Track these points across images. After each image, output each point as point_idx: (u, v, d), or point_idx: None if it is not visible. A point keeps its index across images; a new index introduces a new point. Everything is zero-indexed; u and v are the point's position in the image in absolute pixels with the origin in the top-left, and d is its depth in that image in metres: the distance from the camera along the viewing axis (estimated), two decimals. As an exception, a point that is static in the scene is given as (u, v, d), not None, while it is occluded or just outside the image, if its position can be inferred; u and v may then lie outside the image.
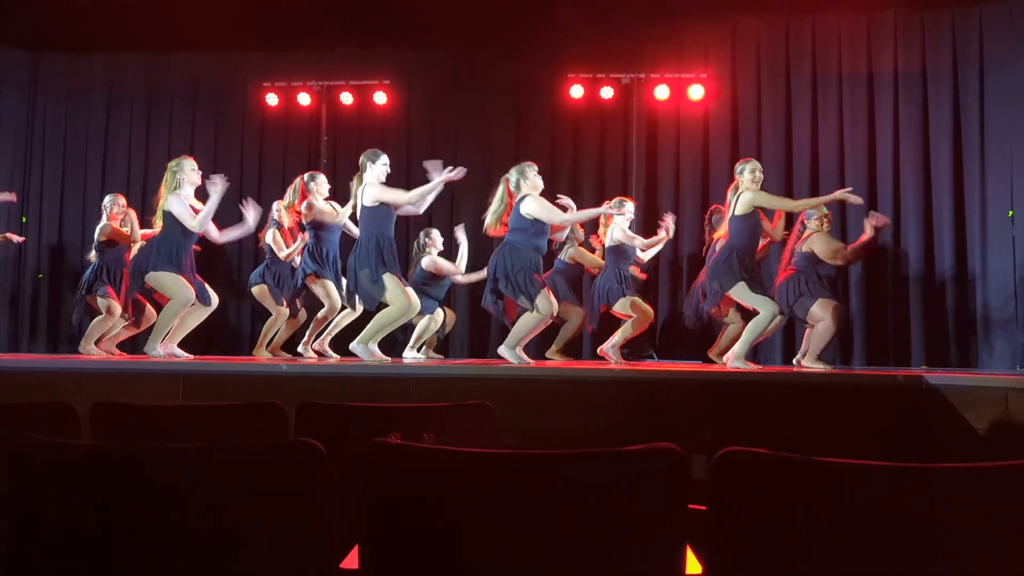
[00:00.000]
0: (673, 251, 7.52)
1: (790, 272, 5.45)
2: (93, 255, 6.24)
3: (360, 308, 5.33)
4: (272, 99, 7.87)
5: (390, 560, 1.43)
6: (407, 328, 6.25)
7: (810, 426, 3.79)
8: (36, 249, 8.09)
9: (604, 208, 5.60)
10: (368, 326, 5.06)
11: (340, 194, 5.93)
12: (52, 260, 8.14)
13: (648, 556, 1.39)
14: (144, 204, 7.61)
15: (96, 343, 6.12)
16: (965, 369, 6.33)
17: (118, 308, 5.99)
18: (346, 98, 7.83)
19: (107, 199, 6.30)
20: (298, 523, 1.46)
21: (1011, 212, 6.53)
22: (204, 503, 1.46)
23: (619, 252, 6.01)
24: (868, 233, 5.51)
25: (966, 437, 3.63)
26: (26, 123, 8.22)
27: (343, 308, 5.70)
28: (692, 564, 1.63)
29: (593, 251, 6.50)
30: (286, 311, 6.25)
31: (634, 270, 6.19)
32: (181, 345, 5.48)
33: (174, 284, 5.17)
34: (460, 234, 6.54)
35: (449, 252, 6.87)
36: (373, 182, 5.06)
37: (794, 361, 5.81)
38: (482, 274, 5.60)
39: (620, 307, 5.93)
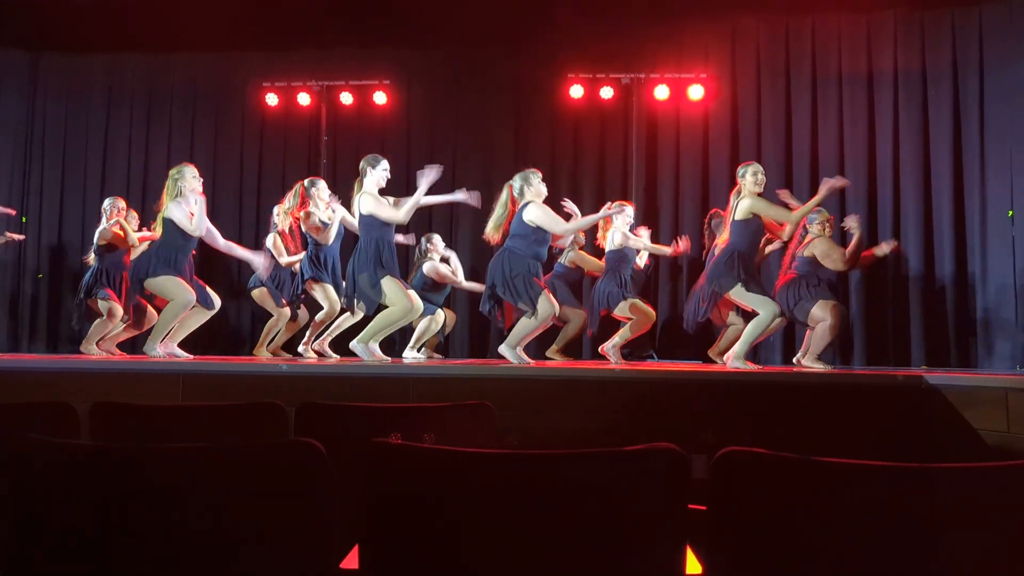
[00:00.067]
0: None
1: (791, 276, 5.45)
2: (92, 258, 6.23)
3: (359, 313, 5.32)
4: (272, 99, 7.87)
5: (390, 560, 1.43)
6: (405, 329, 6.24)
7: (810, 426, 3.79)
8: (36, 249, 8.09)
9: (603, 211, 5.53)
10: (369, 326, 5.07)
11: (340, 195, 5.92)
12: (52, 260, 8.15)
13: (648, 556, 1.39)
14: (144, 204, 7.62)
15: (96, 343, 6.12)
16: (965, 369, 6.33)
17: (119, 310, 5.99)
18: (346, 98, 7.83)
19: (107, 202, 6.30)
20: (298, 523, 1.46)
21: (1011, 212, 6.53)
22: (204, 503, 1.46)
23: (619, 256, 5.99)
24: (855, 233, 5.49)
25: (966, 437, 3.63)
26: (26, 123, 8.22)
27: (343, 311, 5.70)
28: (692, 564, 1.63)
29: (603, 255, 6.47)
30: (287, 312, 6.26)
31: (636, 269, 6.18)
32: (181, 345, 5.48)
33: (174, 287, 5.20)
34: (452, 256, 6.63)
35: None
36: (371, 191, 5.09)
37: (794, 360, 5.81)
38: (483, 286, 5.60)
39: (621, 311, 5.93)
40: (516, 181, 5.11)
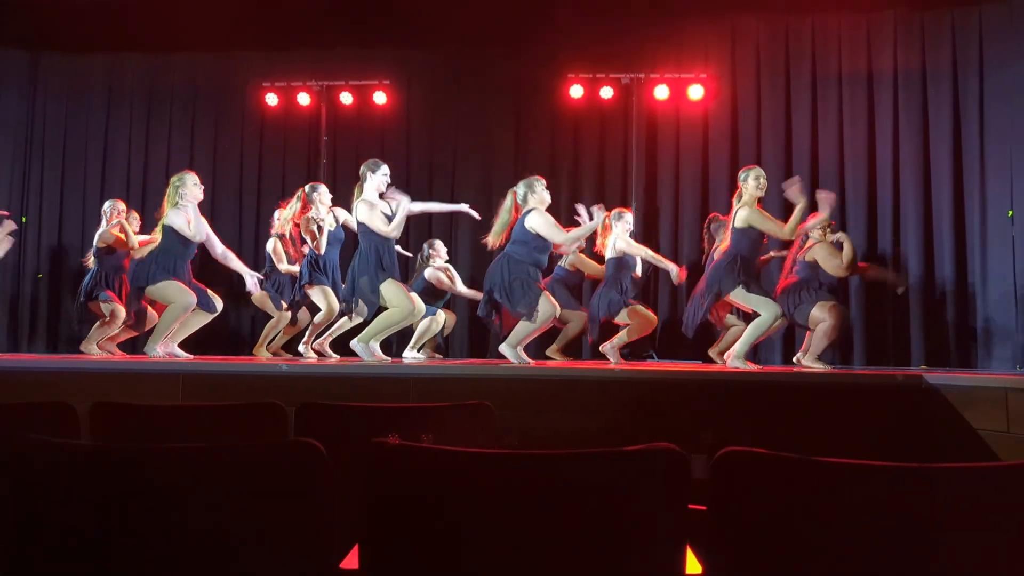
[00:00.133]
0: (673, 252, 7.52)
1: (792, 280, 5.46)
2: (92, 261, 6.22)
3: (357, 318, 5.33)
4: (272, 99, 7.87)
5: (390, 560, 1.43)
6: (404, 330, 6.25)
7: (810, 426, 3.79)
8: (36, 249, 8.09)
9: (600, 217, 5.36)
10: (370, 325, 5.08)
11: (340, 195, 5.93)
12: (52, 260, 8.15)
13: (648, 556, 1.39)
14: (144, 204, 7.63)
15: (97, 343, 6.12)
16: (965, 369, 6.33)
17: (122, 311, 5.98)
18: (346, 98, 7.83)
19: (107, 205, 6.29)
20: (298, 523, 1.46)
21: (1011, 212, 6.53)
22: (204, 503, 1.46)
23: (620, 263, 5.97)
24: (845, 245, 5.44)
25: (966, 437, 3.63)
26: (26, 123, 8.21)
27: (342, 314, 5.71)
28: (692, 564, 1.63)
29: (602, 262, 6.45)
30: (287, 313, 6.27)
31: (635, 277, 6.16)
32: (181, 346, 5.49)
33: (175, 290, 5.23)
34: (450, 268, 6.67)
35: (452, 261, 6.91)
36: (369, 197, 5.12)
37: (794, 360, 5.81)
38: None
39: (622, 318, 5.93)
40: (520, 188, 5.11)
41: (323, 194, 5.68)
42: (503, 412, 2.58)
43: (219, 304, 5.54)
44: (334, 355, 5.79)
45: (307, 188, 5.72)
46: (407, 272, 6.55)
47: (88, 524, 1.45)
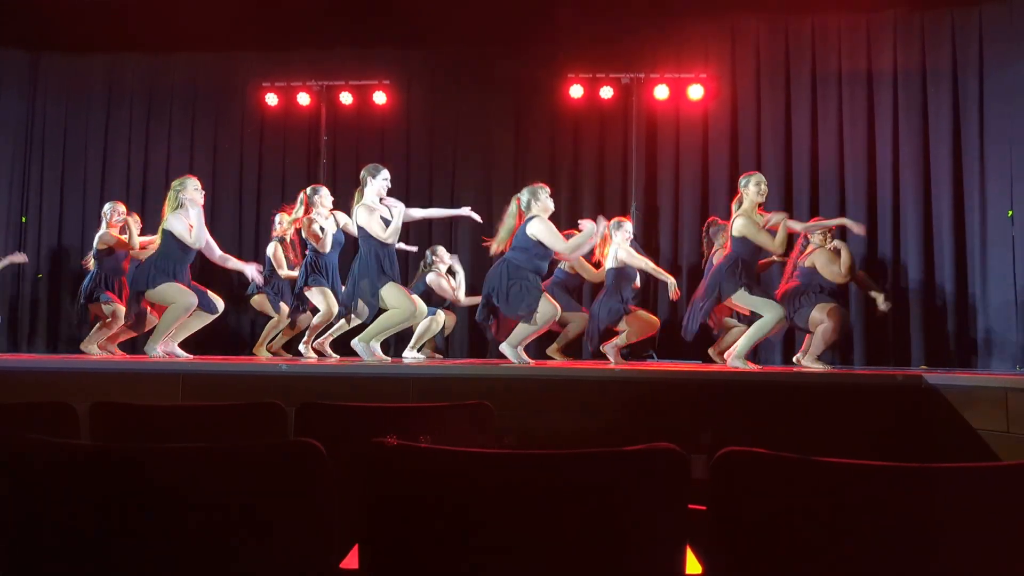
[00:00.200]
0: (672, 252, 7.52)
1: (792, 284, 5.48)
2: (92, 263, 6.22)
3: (355, 320, 5.34)
4: (272, 99, 7.87)
5: (390, 560, 1.43)
6: (404, 331, 6.25)
7: (810, 426, 3.79)
8: (35, 249, 8.08)
9: (602, 226, 5.34)
10: (372, 325, 5.09)
11: (340, 195, 5.93)
12: (51, 260, 8.14)
13: (648, 556, 1.39)
14: (144, 204, 7.64)
15: (96, 343, 6.12)
16: (965, 369, 6.33)
17: (123, 312, 5.99)
18: (346, 98, 7.82)
19: (107, 207, 6.29)
20: (298, 523, 1.46)
21: (1011, 212, 6.53)
22: (204, 503, 1.46)
23: (620, 273, 5.95)
24: (843, 251, 5.48)
25: (966, 437, 3.63)
26: (26, 123, 8.21)
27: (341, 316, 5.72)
28: (692, 564, 1.63)
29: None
30: (287, 313, 6.28)
31: (635, 287, 6.14)
32: (181, 347, 5.49)
33: (174, 291, 5.24)
34: (457, 264, 6.58)
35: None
36: (369, 202, 5.14)
37: (794, 359, 5.82)
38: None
39: (622, 325, 5.92)
40: (524, 194, 5.12)
41: (324, 196, 5.69)
42: (503, 412, 2.58)
43: (220, 305, 5.54)
44: (334, 355, 5.79)
45: (308, 190, 5.73)
46: (407, 275, 6.55)
47: (88, 524, 1.45)
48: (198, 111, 8.15)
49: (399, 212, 5.12)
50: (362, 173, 5.25)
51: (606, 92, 7.51)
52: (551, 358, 6.44)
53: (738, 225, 5.09)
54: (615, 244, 5.91)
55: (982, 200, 6.75)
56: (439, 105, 7.84)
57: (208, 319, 5.53)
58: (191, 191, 5.35)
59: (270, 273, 6.50)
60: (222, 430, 2.34)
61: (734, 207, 5.23)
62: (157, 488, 1.45)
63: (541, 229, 4.93)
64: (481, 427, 2.41)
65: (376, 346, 5.11)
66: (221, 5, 7.29)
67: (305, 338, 5.91)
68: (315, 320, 5.80)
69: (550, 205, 5.10)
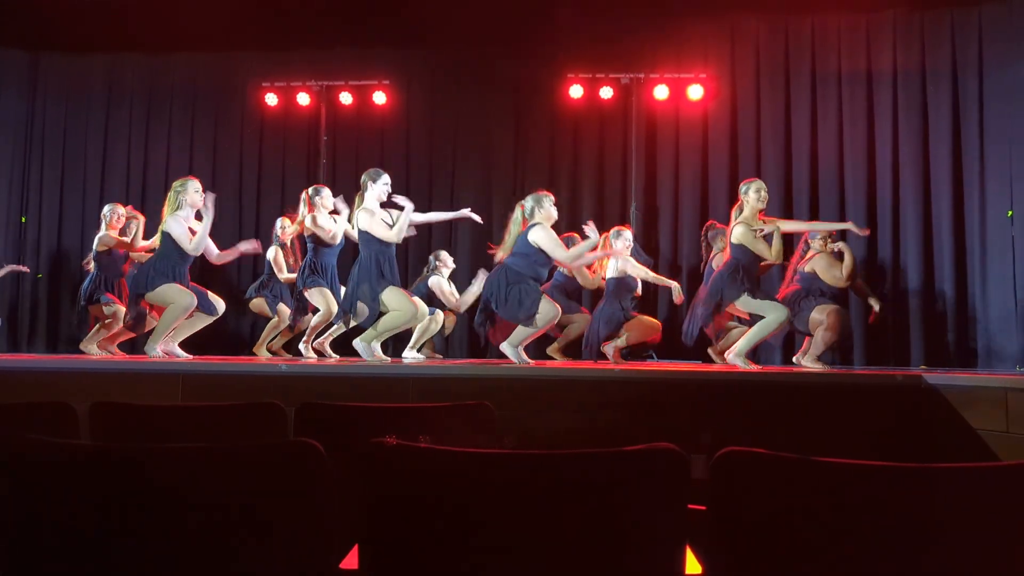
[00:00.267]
0: (672, 252, 7.53)
1: (792, 289, 5.48)
2: (92, 265, 6.22)
3: (353, 322, 5.34)
4: (271, 99, 7.87)
5: (390, 560, 1.43)
6: (403, 331, 6.25)
7: (810, 426, 3.79)
8: (35, 249, 8.08)
9: (600, 240, 5.34)
10: (373, 326, 5.10)
11: (339, 195, 5.92)
12: (51, 260, 8.14)
13: (648, 556, 1.39)
14: (144, 204, 7.63)
15: (96, 343, 6.12)
16: (965, 369, 6.33)
17: (123, 312, 5.98)
18: (345, 98, 7.83)
19: (106, 209, 6.27)
20: (298, 523, 1.46)
21: (1010, 212, 6.53)
22: (204, 503, 1.46)
23: (620, 283, 5.94)
24: (846, 254, 5.49)
25: (966, 437, 3.63)
26: (26, 123, 8.21)
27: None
28: (692, 564, 1.63)
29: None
30: (287, 312, 6.28)
31: (636, 296, 6.13)
32: (181, 347, 5.48)
33: (174, 292, 5.24)
34: (476, 283, 6.25)
35: (457, 273, 6.90)
36: (369, 206, 5.16)
37: (794, 359, 5.82)
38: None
39: (624, 331, 5.92)
40: (528, 201, 5.12)
41: (326, 197, 5.69)
42: (503, 412, 2.58)
43: (221, 307, 5.54)
44: (334, 355, 5.79)
45: (310, 191, 5.73)
46: (407, 278, 6.54)
47: (88, 524, 1.45)
48: (198, 111, 8.15)
49: (407, 211, 5.12)
50: (363, 178, 5.27)
51: (606, 92, 7.51)
52: (551, 358, 6.44)
53: (737, 233, 5.11)
54: (616, 255, 5.91)
55: (982, 200, 6.75)
56: (439, 105, 7.84)
57: (208, 320, 5.53)
58: (191, 193, 5.35)
59: (269, 277, 6.52)
60: (222, 430, 2.34)
61: (734, 214, 5.24)
62: (157, 488, 1.45)
63: (543, 237, 4.94)
64: (481, 427, 2.41)
65: (376, 346, 5.12)
66: (221, 5, 7.29)
67: (305, 337, 5.91)
68: (314, 320, 5.80)
69: (553, 213, 5.12)
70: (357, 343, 5.12)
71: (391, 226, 5.14)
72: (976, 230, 6.77)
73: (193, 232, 5.33)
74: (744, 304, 5.11)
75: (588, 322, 6.18)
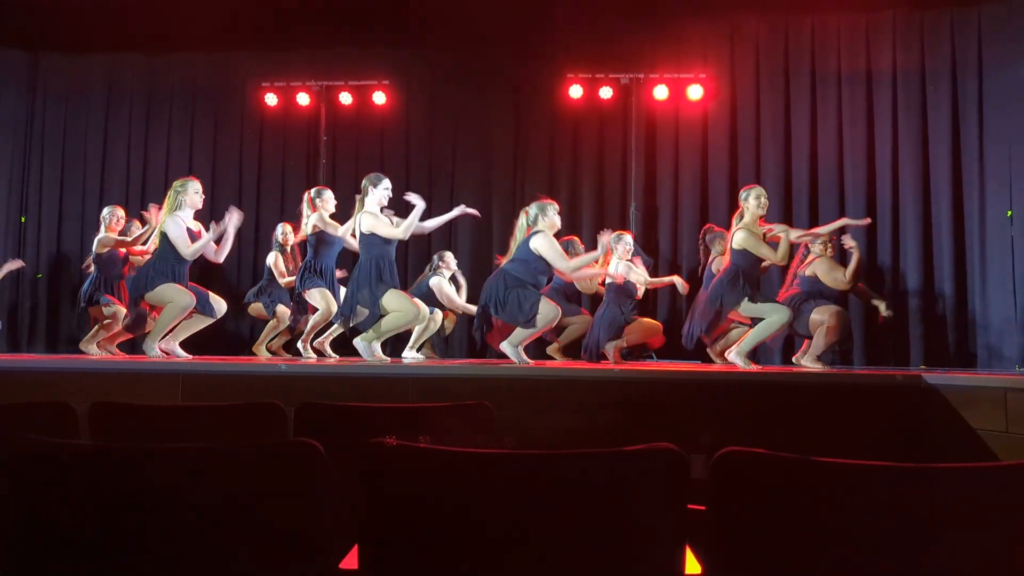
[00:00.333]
0: (672, 252, 7.53)
1: (792, 292, 5.49)
2: (91, 266, 6.21)
3: (352, 323, 5.35)
4: (271, 99, 7.87)
5: (390, 560, 1.43)
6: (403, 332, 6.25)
7: (809, 426, 3.79)
8: (35, 249, 8.08)
9: (603, 245, 5.34)
10: (374, 326, 5.10)
11: (339, 194, 5.92)
12: (51, 260, 8.14)
13: (648, 556, 1.39)
14: (144, 204, 7.61)
15: (96, 343, 6.12)
16: (964, 369, 6.33)
17: (123, 312, 5.98)
18: (345, 98, 7.82)
19: (106, 210, 6.27)
20: (298, 523, 1.46)
21: (1010, 212, 6.53)
22: (204, 503, 1.46)
23: (620, 288, 5.95)
24: (854, 253, 5.49)
25: (965, 437, 3.63)
26: (25, 123, 8.21)
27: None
28: (692, 564, 1.63)
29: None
30: (287, 312, 6.28)
31: (636, 299, 6.12)
32: (181, 347, 5.48)
33: (173, 292, 5.23)
34: (460, 277, 6.65)
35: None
36: (372, 210, 5.17)
37: (794, 359, 5.82)
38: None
39: (624, 333, 5.92)
40: (532, 209, 5.14)
41: (328, 199, 5.69)
42: (503, 412, 2.58)
43: (221, 308, 5.52)
44: (334, 355, 5.79)
45: (312, 192, 5.73)
46: (407, 278, 6.54)
47: (88, 524, 1.45)
48: (198, 111, 8.14)
49: (418, 208, 5.13)
50: (363, 182, 5.28)
51: (605, 92, 7.51)
52: (551, 358, 6.44)
53: (739, 238, 5.12)
54: (615, 258, 5.92)
55: (981, 200, 6.75)
56: (439, 105, 7.84)
57: (208, 322, 5.52)
58: (191, 194, 5.34)
59: (268, 282, 6.52)
60: (222, 430, 2.34)
61: (735, 221, 5.25)
62: (157, 488, 1.45)
63: (544, 245, 4.94)
64: (481, 427, 2.41)
65: (377, 346, 5.12)
66: (221, 5, 7.29)
67: (303, 337, 5.90)
68: (314, 319, 5.80)
69: (557, 222, 5.13)
70: (357, 342, 5.12)
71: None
72: (976, 230, 6.77)
73: (192, 233, 5.32)
74: (745, 310, 5.13)
75: (588, 323, 6.17)
